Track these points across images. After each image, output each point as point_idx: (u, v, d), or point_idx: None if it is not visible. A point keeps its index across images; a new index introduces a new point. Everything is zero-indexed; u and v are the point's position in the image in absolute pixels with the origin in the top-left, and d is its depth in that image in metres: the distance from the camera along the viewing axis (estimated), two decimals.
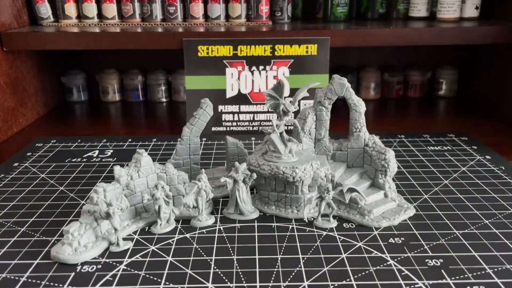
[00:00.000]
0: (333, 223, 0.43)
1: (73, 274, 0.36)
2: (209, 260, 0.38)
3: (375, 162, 0.47)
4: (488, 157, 0.60)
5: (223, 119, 0.71)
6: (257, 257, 0.38)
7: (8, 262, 0.38)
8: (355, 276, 0.35)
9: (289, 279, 0.35)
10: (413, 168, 0.57)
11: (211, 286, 0.35)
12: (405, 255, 0.38)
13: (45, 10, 0.81)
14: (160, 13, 0.82)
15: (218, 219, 0.45)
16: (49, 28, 0.77)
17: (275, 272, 0.36)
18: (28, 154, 0.63)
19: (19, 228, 0.43)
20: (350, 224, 0.44)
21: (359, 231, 0.42)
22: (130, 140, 0.69)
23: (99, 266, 0.37)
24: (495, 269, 0.36)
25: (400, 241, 0.40)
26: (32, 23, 0.82)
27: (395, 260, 0.38)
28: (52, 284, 0.35)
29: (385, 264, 0.37)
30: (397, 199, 0.47)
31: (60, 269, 0.37)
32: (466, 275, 0.35)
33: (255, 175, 0.44)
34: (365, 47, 0.91)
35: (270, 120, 0.71)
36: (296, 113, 0.52)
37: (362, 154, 0.49)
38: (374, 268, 0.36)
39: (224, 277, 0.36)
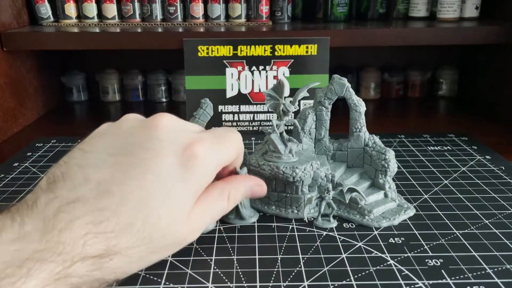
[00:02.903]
0: (333, 223, 0.43)
1: None
2: (209, 260, 0.38)
3: (375, 162, 0.47)
4: (488, 157, 0.60)
5: (223, 119, 0.71)
6: (257, 257, 0.38)
7: None
8: (355, 276, 0.35)
9: (289, 279, 0.35)
10: (413, 168, 0.57)
11: (211, 286, 0.35)
12: (405, 255, 0.38)
13: (45, 10, 0.81)
14: (160, 13, 0.82)
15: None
16: (49, 28, 0.77)
17: (275, 272, 0.36)
18: (28, 154, 0.63)
19: None
20: (350, 224, 0.44)
21: (359, 231, 0.42)
22: None
23: None
24: (495, 269, 0.36)
25: (400, 241, 0.40)
26: (32, 23, 0.82)
27: (395, 260, 0.38)
28: None
29: (385, 264, 0.37)
30: (397, 199, 0.47)
31: None
32: (466, 275, 0.35)
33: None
34: (365, 47, 0.91)
35: (270, 120, 0.71)
36: (296, 113, 0.52)
37: (362, 154, 0.49)
38: (374, 268, 0.36)
39: (224, 277, 0.36)
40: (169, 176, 0.30)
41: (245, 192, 0.37)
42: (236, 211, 0.44)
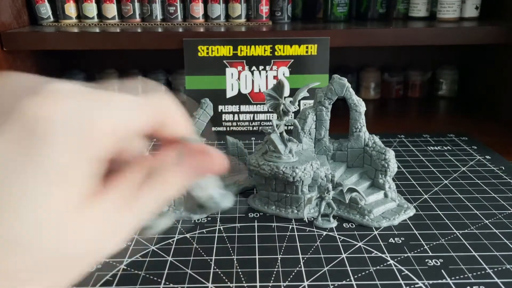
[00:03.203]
0: (333, 223, 0.43)
1: None
2: (209, 260, 0.38)
3: (375, 162, 0.47)
4: (488, 157, 0.60)
5: (223, 119, 0.71)
6: (257, 257, 0.38)
7: None
8: (355, 276, 0.35)
9: (289, 279, 0.35)
10: (413, 168, 0.57)
11: (211, 286, 0.35)
12: (405, 255, 0.38)
13: (45, 10, 0.81)
14: (160, 13, 0.82)
15: (218, 219, 0.45)
16: (49, 28, 0.77)
17: (275, 272, 0.36)
18: None
19: None
20: (350, 224, 0.44)
21: (359, 231, 0.42)
22: None
23: (99, 266, 0.37)
24: (495, 269, 0.36)
25: (400, 241, 0.40)
26: (32, 23, 0.82)
27: (395, 260, 0.38)
28: None
29: (385, 264, 0.37)
30: (397, 199, 0.47)
31: None
32: (466, 275, 0.35)
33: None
34: (365, 47, 0.91)
35: (270, 120, 0.71)
36: (296, 113, 0.52)
37: (362, 154, 0.49)
38: (374, 268, 0.36)
39: (224, 277, 0.36)
40: (8, 161, 0.17)
41: (188, 172, 0.22)
42: (189, 200, 0.35)
